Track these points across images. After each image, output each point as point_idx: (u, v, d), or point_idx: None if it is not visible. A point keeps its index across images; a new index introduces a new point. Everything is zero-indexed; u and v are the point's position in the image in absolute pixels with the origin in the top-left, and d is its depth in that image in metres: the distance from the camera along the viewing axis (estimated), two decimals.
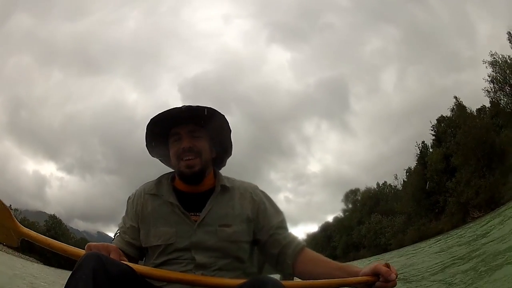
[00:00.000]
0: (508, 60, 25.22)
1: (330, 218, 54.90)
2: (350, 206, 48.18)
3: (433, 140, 34.20)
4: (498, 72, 25.56)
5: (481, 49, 52.73)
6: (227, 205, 1.14)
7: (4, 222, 1.05)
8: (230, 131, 1.21)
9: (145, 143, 1.20)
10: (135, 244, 1.14)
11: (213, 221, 1.11)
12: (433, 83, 65.16)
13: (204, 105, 1.14)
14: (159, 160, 1.25)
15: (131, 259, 1.09)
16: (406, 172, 37.74)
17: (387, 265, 1.01)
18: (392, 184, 43.12)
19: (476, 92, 28.31)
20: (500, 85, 25.36)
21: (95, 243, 1.00)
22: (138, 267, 0.97)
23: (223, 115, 1.17)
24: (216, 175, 1.21)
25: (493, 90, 25.85)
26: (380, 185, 45.09)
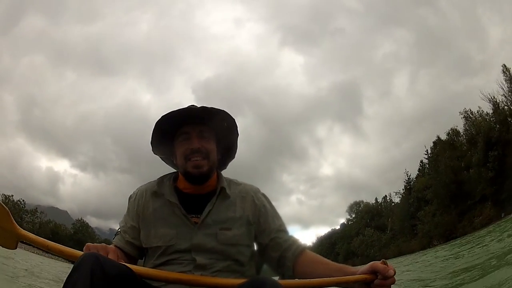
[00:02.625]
0: (484, 116, 29.22)
1: (341, 221, 58.80)
2: (353, 216, 54.53)
3: (427, 163, 38.91)
4: (469, 127, 30.66)
5: (493, 53, 52.29)
6: (228, 208, 1.17)
7: (2, 224, 1.05)
8: (238, 135, 1.25)
9: (150, 139, 1.20)
10: (135, 244, 1.18)
11: (213, 224, 1.13)
12: (445, 87, 67.51)
13: (217, 107, 1.16)
14: (161, 158, 1.28)
15: (130, 259, 1.15)
16: (401, 191, 44.07)
17: (384, 262, 1.03)
18: (391, 199, 48.71)
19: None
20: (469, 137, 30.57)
21: (94, 244, 1.02)
22: (136, 267, 0.98)
23: (234, 119, 1.20)
24: (219, 177, 1.23)
25: (464, 142, 31.47)
26: (378, 201, 51.11)
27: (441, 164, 31.95)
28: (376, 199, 52.02)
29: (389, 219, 43.16)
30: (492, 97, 28.15)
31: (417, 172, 41.13)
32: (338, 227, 60.09)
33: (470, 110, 31.45)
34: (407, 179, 41.96)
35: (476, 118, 29.89)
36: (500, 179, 23.12)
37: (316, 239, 65.75)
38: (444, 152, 33.28)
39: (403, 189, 43.01)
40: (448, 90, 65.10)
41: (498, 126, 25.03)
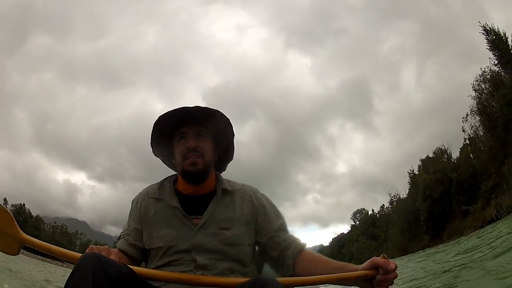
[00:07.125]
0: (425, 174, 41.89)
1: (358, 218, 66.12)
2: (357, 222, 66.26)
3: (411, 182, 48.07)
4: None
5: None
6: (228, 208, 1.24)
7: (6, 230, 1.08)
8: (234, 135, 1.32)
9: (150, 141, 1.28)
10: (138, 246, 1.25)
11: (213, 224, 1.20)
12: (453, 77, 69.44)
13: (212, 107, 1.25)
14: (161, 160, 1.37)
15: (134, 261, 1.22)
16: (390, 204, 56.37)
17: (384, 257, 1.07)
18: (388, 208, 58.53)
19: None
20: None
21: (97, 246, 1.08)
22: (137, 268, 1.03)
23: (229, 119, 1.27)
24: (218, 178, 1.31)
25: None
26: (375, 211, 62.98)
27: (402, 203, 44.61)
28: (372, 210, 64.24)
29: (377, 229, 57.79)
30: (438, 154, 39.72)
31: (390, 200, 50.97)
32: (348, 229, 69.93)
33: (413, 170, 43.68)
34: (390, 199, 54.95)
35: (417, 178, 41.14)
36: (431, 220, 37.49)
37: (332, 239, 74.49)
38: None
39: (389, 204, 55.25)
40: (456, 79, 66.97)
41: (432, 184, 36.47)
